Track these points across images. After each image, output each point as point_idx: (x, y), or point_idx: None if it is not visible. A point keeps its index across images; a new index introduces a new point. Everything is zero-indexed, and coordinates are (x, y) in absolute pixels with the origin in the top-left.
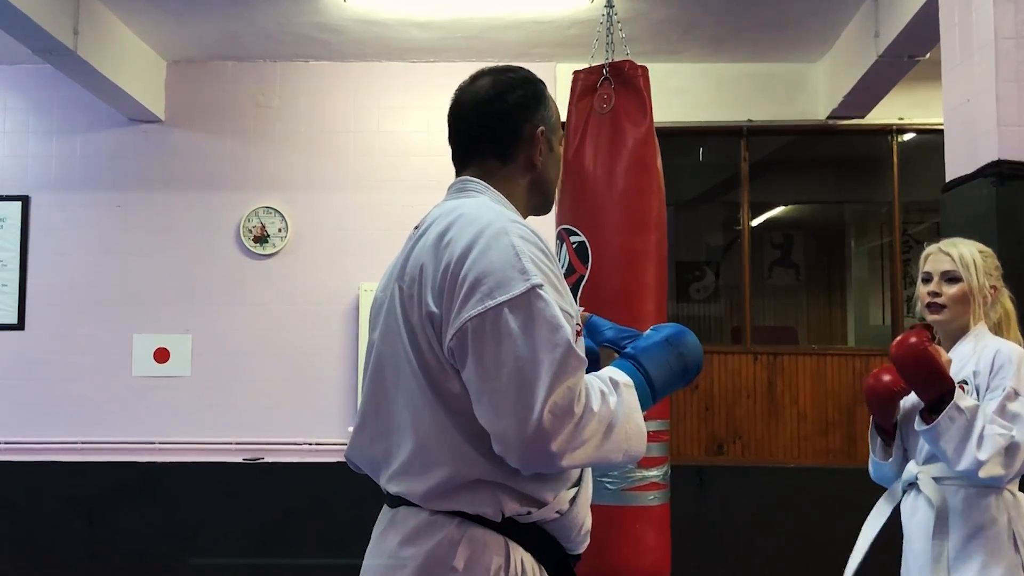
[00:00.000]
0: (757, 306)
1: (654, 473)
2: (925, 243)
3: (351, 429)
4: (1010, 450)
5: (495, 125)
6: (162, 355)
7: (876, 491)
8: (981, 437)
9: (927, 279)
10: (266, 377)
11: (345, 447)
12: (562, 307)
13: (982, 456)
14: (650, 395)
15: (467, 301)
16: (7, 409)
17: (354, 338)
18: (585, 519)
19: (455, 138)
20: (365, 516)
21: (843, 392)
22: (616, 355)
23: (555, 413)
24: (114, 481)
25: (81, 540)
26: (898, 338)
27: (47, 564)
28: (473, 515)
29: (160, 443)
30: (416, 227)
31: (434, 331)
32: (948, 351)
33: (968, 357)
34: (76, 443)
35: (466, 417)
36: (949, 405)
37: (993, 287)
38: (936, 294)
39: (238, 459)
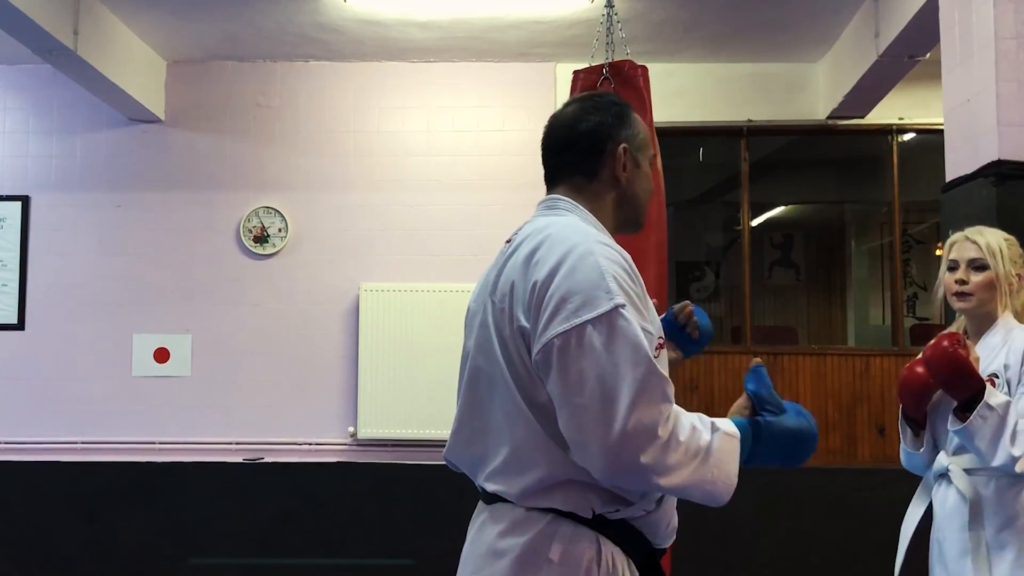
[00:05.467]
0: (757, 306)
1: None
2: (950, 235)
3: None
4: None
5: (580, 143)
6: (162, 355)
7: (876, 491)
8: (1015, 433)
9: (953, 267)
10: (266, 377)
11: (345, 447)
12: (643, 326)
13: (1016, 452)
14: (747, 459)
15: (553, 318)
16: (7, 409)
17: (354, 338)
18: (672, 517)
19: (546, 159)
20: (365, 516)
21: (843, 392)
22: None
23: (638, 430)
24: (114, 481)
25: (81, 540)
26: (931, 341)
27: (47, 564)
28: (566, 512)
29: (160, 443)
30: (508, 241)
31: (524, 344)
32: (976, 341)
33: (998, 348)
34: (76, 443)
35: (555, 423)
36: (980, 404)
37: (1018, 275)
38: (963, 282)
39: (238, 459)
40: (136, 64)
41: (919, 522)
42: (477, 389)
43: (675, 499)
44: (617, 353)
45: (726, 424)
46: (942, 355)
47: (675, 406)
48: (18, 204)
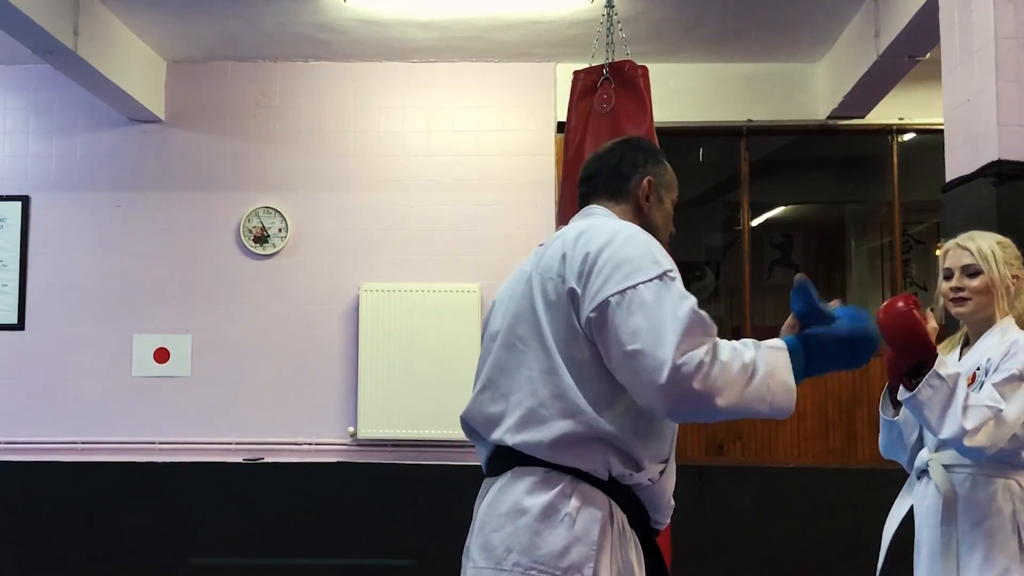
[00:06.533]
0: (757, 306)
1: None
2: (942, 239)
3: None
4: (997, 423)
5: (609, 168)
6: (162, 355)
7: (875, 491)
8: (967, 407)
9: (948, 275)
10: (266, 377)
11: (345, 447)
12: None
13: (968, 425)
14: (803, 370)
15: (608, 281)
16: (7, 409)
17: (354, 338)
18: (669, 493)
19: (581, 186)
20: (365, 516)
21: (843, 392)
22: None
23: (685, 361)
24: (114, 481)
25: (81, 540)
26: (886, 303)
27: (47, 564)
28: (584, 473)
29: (160, 443)
30: (540, 244)
31: (573, 305)
32: (974, 344)
33: (993, 348)
34: (76, 443)
35: (587, 382)
36: (929, 373)
37: (1015, 276)
38: (959, 289)
39: (238, 459)
40: (136, 64)
41: (903, 522)
42: (511, 353)
43: (674, 474)
44: (666, 304)
45: (772, 342)
46: (895, 316)
47: (718, 339)
48: (18, 204)
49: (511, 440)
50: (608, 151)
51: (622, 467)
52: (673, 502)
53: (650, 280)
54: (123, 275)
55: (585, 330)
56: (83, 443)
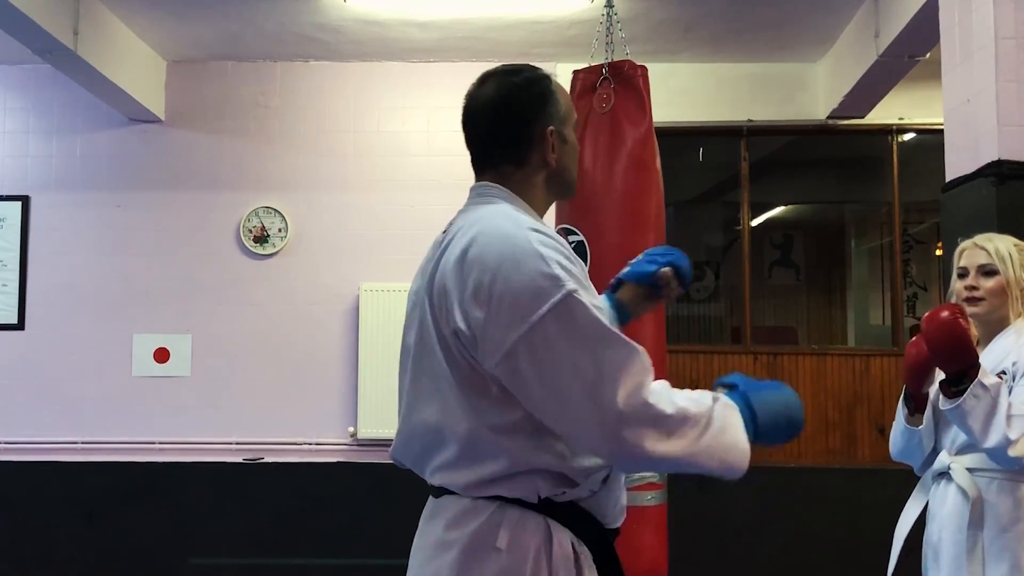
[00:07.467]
0: (757, 306)
1: (651, 473)
2: (959, 242)
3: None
4: None
5: (504, 132)
6: (162, 355)
7: (876, 491)
8: (1010, 416)
9: (963, 274)
10: (266, 377)
11: (345, 447)
12: (594, 304)
13: (1012, 435)
14: (752, 433)
15: (510, 323)
16: (7, 409)
17: (354, 338)
18: (620, 496)
19: (470, 145)
20: (365, 516)
21: (843, 392)
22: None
23: (633, 406)
24: (114, 481)
25: (81, 540)
26: (930, 311)
27: (47, 564)
28: (511, 499)
29: (160, 443)
30: (444, 231)
31: (463, 346)
32: (987, 344)
33: (1010, 349)
34: (76, 443)
35: (500, 419)
36: (973, 383)
37: None
38: (974, 288)
39: (238, 459)
40: (136, 64)
41: (914, 523)
42: (419, 386)
43: (622, 479)
44: (582, 340)
45: (720, 395)
46: (940, 323)
47: (665, 382)
48: (18, 204)
49: (436, 481)
50: (496, 104)
51: (554, 488)
52: (625, 500)
53: (554, 309)
54: (123, 275)
55: (491, 374)
56: (83, 443)
